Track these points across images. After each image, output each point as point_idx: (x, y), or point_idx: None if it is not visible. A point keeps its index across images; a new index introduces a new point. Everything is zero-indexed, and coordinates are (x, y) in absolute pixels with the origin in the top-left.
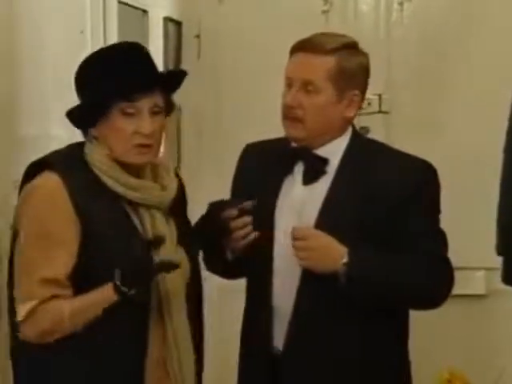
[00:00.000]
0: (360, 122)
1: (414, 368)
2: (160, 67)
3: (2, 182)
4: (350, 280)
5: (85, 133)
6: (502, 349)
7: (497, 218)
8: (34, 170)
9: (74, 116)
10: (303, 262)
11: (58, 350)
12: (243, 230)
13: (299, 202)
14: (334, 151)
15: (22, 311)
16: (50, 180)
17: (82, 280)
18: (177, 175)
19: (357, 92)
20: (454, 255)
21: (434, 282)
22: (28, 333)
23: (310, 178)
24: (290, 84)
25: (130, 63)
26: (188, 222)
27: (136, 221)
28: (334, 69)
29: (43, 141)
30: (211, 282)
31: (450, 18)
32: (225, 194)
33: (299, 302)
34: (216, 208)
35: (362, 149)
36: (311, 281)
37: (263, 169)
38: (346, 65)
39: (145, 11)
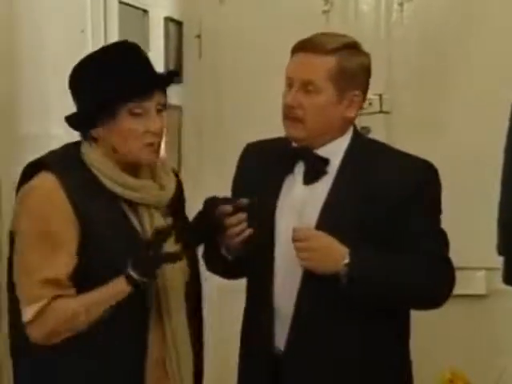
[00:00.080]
0: (361, 122)
1: (415, 368)
2: (161, 67)
3: (1, 182)
4: (351, 281)
5: (84, 134)
6: (503, 348)
7: (497, 217)
8: (31, 170)
9: (77, 118)
10: (304, 263)
11: (59, 350)
12: (238, 226)
13: (300, 202)
14: (335, 151)
15: (28, 313)
16: (47, 180)
17: (81, 280)
18: (175, 174)
19: (357, 92)
20: (455, 255)
21: (435, 282)
22: (35, 334)
23: (310, 178)
24: (290, 84)
25: (129, 63)
26: (186, 222)
27: (134, 220)
28: (334, 69)
29: (43, 140)
30: (211, 282)
31: (450, 18)
32: (225, 193)
33: (300, 303)
34: (211, 204)
35: (363, 149)
36: (312, 281)
37: (264, 169)
38: (347, 65)
39: (145, 11)
